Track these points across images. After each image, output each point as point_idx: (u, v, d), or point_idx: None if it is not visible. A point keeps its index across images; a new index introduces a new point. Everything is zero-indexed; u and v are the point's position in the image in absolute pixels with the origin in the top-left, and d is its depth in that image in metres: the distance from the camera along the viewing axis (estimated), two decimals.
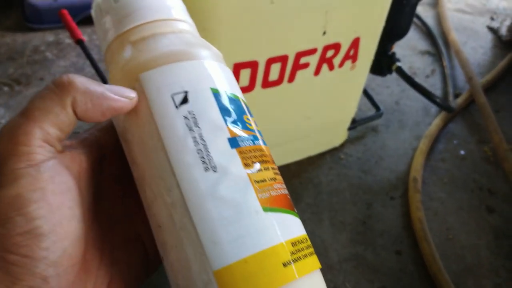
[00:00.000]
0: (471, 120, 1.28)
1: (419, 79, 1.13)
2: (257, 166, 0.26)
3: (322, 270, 0.28)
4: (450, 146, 1.19)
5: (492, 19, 1.78)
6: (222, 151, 0.25)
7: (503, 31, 1.65)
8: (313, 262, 0.26)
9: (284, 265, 0.23)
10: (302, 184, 1.05)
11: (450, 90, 1.33)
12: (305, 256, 0.25)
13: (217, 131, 0.25)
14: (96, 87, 0.25)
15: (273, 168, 0.28)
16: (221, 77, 0.28)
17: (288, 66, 0.82)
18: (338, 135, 1.14)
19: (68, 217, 0.24)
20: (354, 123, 1.14)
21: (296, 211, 0.27)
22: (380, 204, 1.02)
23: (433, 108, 1.30)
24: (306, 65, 0.84)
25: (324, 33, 0.79)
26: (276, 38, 0.76)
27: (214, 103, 0.26)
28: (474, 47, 1.61)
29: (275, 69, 0.81)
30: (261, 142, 0.28)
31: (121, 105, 0.26)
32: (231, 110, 0.27)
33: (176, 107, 0.26)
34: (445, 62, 1.45)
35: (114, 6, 0.30)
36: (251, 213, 0.24)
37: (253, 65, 0.78)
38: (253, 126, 0.28)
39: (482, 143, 1.20)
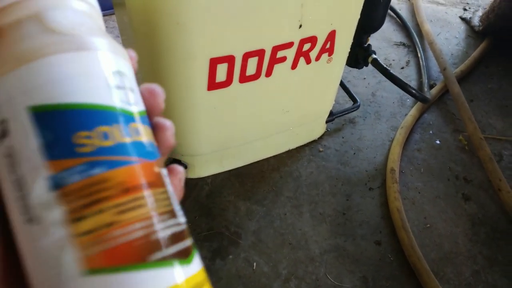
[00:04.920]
0: (446, 110, 1.30)
1: (394, 71, 1.15)
2: (87, 210, 0.20)
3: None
4: (426, 136, 1.21)
5: (464, 9, 1.81)
6: (41, 196, 0.20)
7: (476, 21, 1.68)
8: None
9: None
10: (282, 177, 1.05)
11: (425, 81, 1.34)
12: None
13: (34, 169, 0.20)
14: None
15: (119, 205, 0.20)
16: (62, 79, 0.20)
17: (265, 60, 0.82)
18: (316, 128, 1.14)
19: None
20: (332, 116, 1.14)
21: (161, 257, 0.20)
22: (359, 195, 1.03)
23: (409, 99, 1.31)
24: (283, 59, 0.84)
25: (300, 26, 0.79)
26: (252, 32, 0.76)
27: (30, 128, 0.20)
28: (448, 38, 1.63)
29: (252, 63, 0.81)
30: (105, 168, 0.20)
31: None
32: (53, 131, 0.20)
33: None
34: (420, 53, 1.47)
35: None
36: (66, 279, 0.19)
37: (229, 60, 0.77)
38: (95, 145, 0.20)
39: (457, 132, 1.22)
